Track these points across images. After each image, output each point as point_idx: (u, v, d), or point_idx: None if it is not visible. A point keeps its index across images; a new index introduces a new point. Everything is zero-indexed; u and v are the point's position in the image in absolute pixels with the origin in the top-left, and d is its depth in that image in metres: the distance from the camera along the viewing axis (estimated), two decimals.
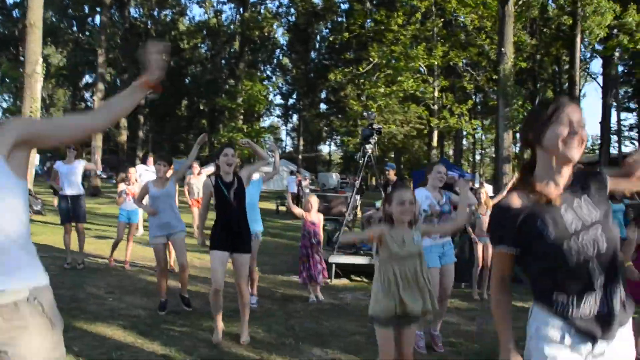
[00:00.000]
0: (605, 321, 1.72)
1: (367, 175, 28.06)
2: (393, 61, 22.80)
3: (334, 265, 8.08)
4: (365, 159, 8.96)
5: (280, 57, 46.12)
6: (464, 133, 30.99)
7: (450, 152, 40.94)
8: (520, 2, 20.89)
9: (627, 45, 21.57)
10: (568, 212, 1.77)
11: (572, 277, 1.73)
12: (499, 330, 1.91)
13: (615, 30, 21.10)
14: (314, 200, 7.23)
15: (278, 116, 51.14)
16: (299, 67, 42.51)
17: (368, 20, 25.86)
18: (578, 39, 25.27)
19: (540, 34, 29.69)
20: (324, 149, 58.37)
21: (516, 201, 1.82)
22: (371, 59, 23.19)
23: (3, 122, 1.83)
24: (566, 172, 1.81)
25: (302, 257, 6.98)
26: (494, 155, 25.33)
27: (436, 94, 24.63)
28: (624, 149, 34.89)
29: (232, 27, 41.27)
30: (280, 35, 42.43)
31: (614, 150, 31.57)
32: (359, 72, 23.41)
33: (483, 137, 45.94)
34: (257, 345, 4.82)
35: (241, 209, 4.95)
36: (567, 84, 29.09)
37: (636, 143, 40.20)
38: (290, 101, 47.53)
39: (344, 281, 8.15)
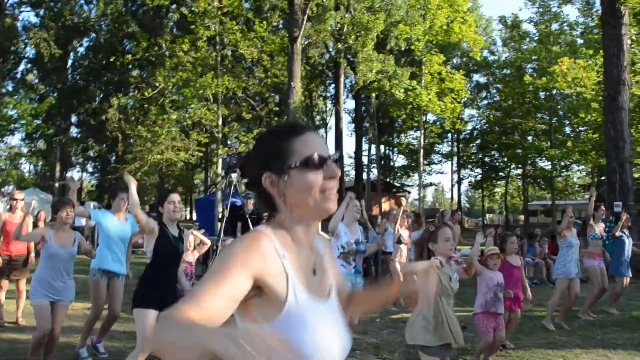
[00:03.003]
0: None
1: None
2: (181, 87, 22.42)
3: None
4: (232, 188, 8.80)
5: (25, 73, 41.03)
6: None
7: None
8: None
9: (385, 88, 25.20)
10: None
11: None
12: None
13: (378, 76, 24.27)
14: (192, 239, 6.96)
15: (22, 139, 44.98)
16: (53, 86, 38.44)
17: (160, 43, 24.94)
18: (342, 79, 28.56)
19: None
20: (75, 175, 53.13)
21: None
22: (157, 84, 22.39)
23: None
24: None
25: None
26: None
27: (220, 122, 24.88)
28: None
29: None
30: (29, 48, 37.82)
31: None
32: (145, 96, 22.37)
33: None
34: None
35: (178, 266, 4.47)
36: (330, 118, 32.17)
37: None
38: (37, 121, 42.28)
39: None
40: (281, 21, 27.82)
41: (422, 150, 29.83)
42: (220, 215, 8.93)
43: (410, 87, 26.27)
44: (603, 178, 37.51)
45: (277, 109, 25.86)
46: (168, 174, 29.37)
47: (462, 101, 31.05)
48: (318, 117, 47.55)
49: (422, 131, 29.44)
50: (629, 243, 8.36)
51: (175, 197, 4.33)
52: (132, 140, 31.53)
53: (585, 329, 7.19)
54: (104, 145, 40.36)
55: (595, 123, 24.24)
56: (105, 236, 5.52)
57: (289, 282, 1.23)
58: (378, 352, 5.81)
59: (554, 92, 33.95)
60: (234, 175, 8.77)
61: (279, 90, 27.64)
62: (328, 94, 43.29)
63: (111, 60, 24.13)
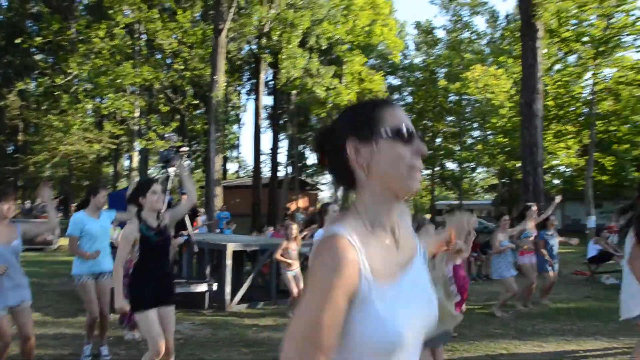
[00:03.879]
0: None
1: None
2: (95, 76, 21.28)
3: None
4: (169, 183, 8.48)
5: None
6: None
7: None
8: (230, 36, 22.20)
9: (308, 86, 25.33)
10: None
11: None
12: None
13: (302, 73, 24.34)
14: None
15: None
16: None
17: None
18: (262, 75, 28.43)
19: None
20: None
21: None
22: (69, 71, 21.11)
23: None
24: None
25: None
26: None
27: (137, 114, 23.93)
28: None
29: None
30: None
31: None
32: (55, 83, 20.99)
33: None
34: None
35: (168, 258, 4.39)
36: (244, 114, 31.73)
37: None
38: None
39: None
40: (201, 13, 27.22)
41: None
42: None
43: (332, 86, 26.59)
44: (506, 180, 40.00)
45: (196, 102, 25.13)
46: (78, 166, 27.80)
47: None
48: (232, 112, 46.94)
49: None
50: (554, 242, 9.02)
51: (158, 187, 4.17)
52: (33, 130, 29.60)
53: (515, 321, 7.64)
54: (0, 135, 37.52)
55: (504, 128, 25.72)
56: (90, 239, 5.40)
57: (361, 277, 1.15)
58: None
59: (463, 97, 35.80)
60: (170, 170, 8.43)
61: (195, 83, 26.94)
62: (242, 89, 42.88)
63: (16, 42, 22.40)
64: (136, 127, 23.47)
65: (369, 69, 31.04)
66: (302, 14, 22.49)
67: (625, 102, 21.49)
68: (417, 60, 43.31)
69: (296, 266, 8.00)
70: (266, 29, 23.82)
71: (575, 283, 11.90)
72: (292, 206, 35.95)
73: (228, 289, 8.35)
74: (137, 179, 24.07)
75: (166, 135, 8.73)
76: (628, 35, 20.06)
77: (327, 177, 51.46)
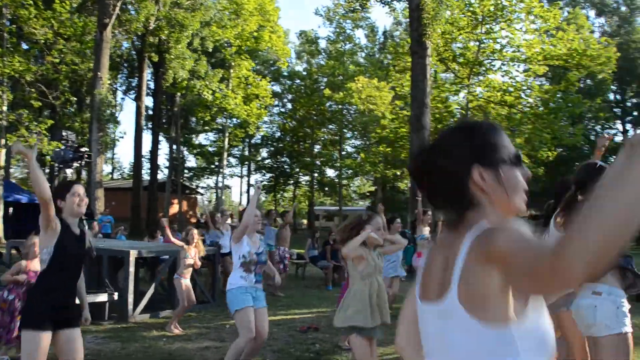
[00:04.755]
0: None
1: None
2: None
3: None
4: None
5: None
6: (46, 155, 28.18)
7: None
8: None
9: (194, 88, 24.81)
10: None
11: None
12: None
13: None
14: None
15: None
16: None
17: None
18: (145, 74, 27.27)
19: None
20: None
21: None
22: None
23: None
24: None
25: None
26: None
27: (5, 108, 21.80)
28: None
29: None
30: None
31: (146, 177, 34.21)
32: None
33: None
34: None
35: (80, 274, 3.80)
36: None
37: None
38: None
39: None
40: (78, 4, 25.49)
41: (225, 154, 29.89)
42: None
43: (219, 90, 26.24)
44: (388, 187, 41.90)
45: (74, 98, 23.47)
46: None
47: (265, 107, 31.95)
48: (108, 112, 44.52)
49: (227, 134, 29.52)
50: None
51: (80, 188, 3.68)
52: None
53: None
54: None
55: (388, 138, 26.96)
56: None
57: None
58: None
59: (341, 106, 37.05)
60: (68, 171, 7.85)
61: (72, 80, 25.22)
62: (119, 88, 40.88)
63: None
64: (4, 122, 21.33)
65: (255, 74, 31.07)
66: (193, 14, 21.93)
67: (493, 119, 23.54)
68: (299, 68, 44.09)
69: (189, 275, 7.71)
70: (151, 27, 22.92)
71: None
72: (172, 209, 34.85)
73: (131, 298, 7.90)
74: None
75: (64, 134, 8.10)
76: (496, 59, 22.12)
77: (206, 181, 50.51)
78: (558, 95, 21.37)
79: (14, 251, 9.30)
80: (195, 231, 8.02)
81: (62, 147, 8.06)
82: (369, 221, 4.01)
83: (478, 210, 1.27)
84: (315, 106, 39.36)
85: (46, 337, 3.35)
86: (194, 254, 7.64)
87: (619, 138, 45.17)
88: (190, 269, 7.70)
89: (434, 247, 1.42)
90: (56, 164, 8.64)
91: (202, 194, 49.13)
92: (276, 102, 45.84)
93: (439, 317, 1.27)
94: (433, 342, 1.32)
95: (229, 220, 11.46)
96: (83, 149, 7.68)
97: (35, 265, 5.77)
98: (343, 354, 6.22)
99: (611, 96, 42.76)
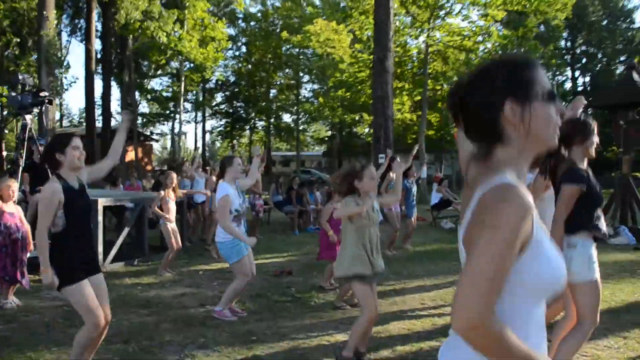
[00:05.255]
0: None
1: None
2: None
3: None
4: (27, 133, 7.54)
5: None
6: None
7: None
8: None
9: (149, 30, 23.80)
10: None
11: None
12: None
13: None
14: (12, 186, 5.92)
15: None
16: None
17: None
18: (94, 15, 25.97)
19: None
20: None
21: None
22: None
23: None
24: None
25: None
26: None
27: None
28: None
29: None
30: None
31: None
32: None
33: None
34: None
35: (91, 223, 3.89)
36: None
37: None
38: None
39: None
40: None
41: (182, 98, 29.11)
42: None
43: (174, 32, 25.29)
44: (344, 132, 41.97)
45: (18, 40, 22.17)
46: None
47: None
48: (57, 55, 42.35)
49: (183, 79, 28.67)
50: (414, 189, 9.88)
51: (79, 142, 3.62)
52: None
53: (391, 265, 8.27)
54: None
55: (347, 82, 26.78)
56: None
57: (534, 222, 1.24)
58: None
59: (299, 50, 36.42)
60: (28, 117, 7.51)
61: (12, 19, 23.75)
62: (63, 29, 38.76)
63: None
64: None
65: (210, 15, 30.00)
66: None
67: (452, 64, 23.66)
68: (253, 10, 42.84)
69: (174, 218, 7.73)
70: None
71: (421, 228, 13.12)
72: (127, 157, 34.00)
73: (100, 247, 7.78)
74: None
75: (20, 77, 7.68)
76: (456, 2, 22.04)
77: (161, 128, 49.23)
78: (515, 42, 21.56)
79: None
80: (174, 175, 7.96)
81: (18, 93, 7.67)
82: (363, 170, 4.03)
83: (507, 145, 1.31)
84: (271, 49, 38.55)
85: (85, 284, 3.54)
86: (173, 198, 7.63)
87: (568, 85, 46.54)
88: (174, 212, 7.67)
89: (466, 186, 1.42)
90: (13, 110, 8.24)
91: (157, 141, 48.03)
92: (230, 46, 44.75)
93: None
94: None
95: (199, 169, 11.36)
96: (43, 94, 7.31)
97: (10, 208, 5.65)
98: (320, 296, 6.36)
99: (562, 43, 43.60)
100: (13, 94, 7.89)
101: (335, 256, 6.31)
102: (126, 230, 8.50)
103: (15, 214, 5.84)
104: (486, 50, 22.56)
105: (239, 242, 5.25)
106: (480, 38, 22.77)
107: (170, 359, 4.25)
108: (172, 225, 7.58)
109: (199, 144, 49.25)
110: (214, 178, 8.79)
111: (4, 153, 30.90)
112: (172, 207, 7.65)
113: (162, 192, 7.65)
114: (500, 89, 1.29)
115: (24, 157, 7.52)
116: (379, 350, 4.38)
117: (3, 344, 4.54)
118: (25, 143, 7.50)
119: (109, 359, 4.24)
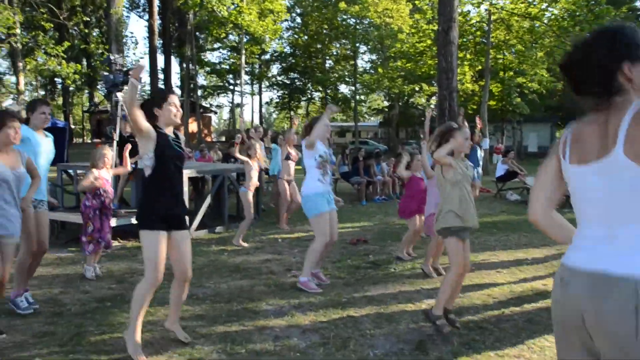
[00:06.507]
0: None
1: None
2: None
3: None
4: (119, 109, 8.10)
5: None
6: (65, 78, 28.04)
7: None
8: None
9: (211, 4, 24.27)
10: None
11: None
12: None
13: None
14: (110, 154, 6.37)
15: None
16: None
17: None
18: None
19: None
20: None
21: None
22: None
23: None
24: None
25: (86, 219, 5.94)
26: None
27: (18, 30, 21.54)
28: None
29: None
30: None
31: None
32: None
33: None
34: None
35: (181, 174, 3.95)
36: None
37: None
38: None
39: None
40: None
41: (242, 71, 29.65)
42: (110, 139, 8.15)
43: (233, 5, 25.67)
44: (401, 103, 41.63)
45: (87, 19, 23.08)
46: None
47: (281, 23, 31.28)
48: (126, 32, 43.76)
49: (244, 52, 29.14)
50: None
51: (176, 99, 3.76)
52: None
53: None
54: None
55: (407, 53, 26.54)
56: (34, 156, 4.53)
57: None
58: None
59: (355, 20, 36.12)
60: (119, 95, 8.04)
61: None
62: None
63: None
64: (19, 45, 21.18)
65: None
66: None
67: (515, 33, 23.07)
68: None
69: (254, 189, 8.04)
70: None
71: (485, 199, 13.18)
72: (189, 128, 35.03)
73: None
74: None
75: (112, 58, 8.22)
76: None
77: (220, 100, 50.13)
78: (585, 7, 20.72)
79: (64, 175, 9.64)
80: (258, 145, 8.32)
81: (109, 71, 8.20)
82: (459, 129, 4.28)
83: (624, 95, 1.61)
84: (327, 20, 38.45)
85: (161, 236, 3.60)
86: (256, 167, 7.95)
87: None
88: (256, 183, 8.04)
89: (581, 125, 1.73)
90: (106, 88, 8.81)
91: (215, 112, 49.10)
92: (287, 18, 44.85)
93: (602, 173, 1.61)
94: (598, 206, 1.64)
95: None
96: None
97: (105, 175, 6.07)
98: (399, 264, 6.65)
99: (638, 3, 41.27)
100: (105, 73, 8.44)
101: (410, 215, 6.62)
102: (208, 199, 9.01)
103: (109, 180, 6.16)
104: (552, 17, 21.83)
105: (322, 197, 5.35)
106: (544, 5, 22.07)
107: (273, 316, 4.65)
108: (249, 196, 7.91)
109: (256, 116, 50.12)
110: (287, 147, 9.19)
111: (72, 126, 32.50)
112: (255, 176, 8.01)
113: (249, 160, 7.91)
114: (618, 52, 1.62)
115: (117, 132, 8.11)
116: (462, 315, 4.64)
117: (122, 300, 5.07)
118: (118, 119, 8.07)
119: (217, 315, 4.67)
